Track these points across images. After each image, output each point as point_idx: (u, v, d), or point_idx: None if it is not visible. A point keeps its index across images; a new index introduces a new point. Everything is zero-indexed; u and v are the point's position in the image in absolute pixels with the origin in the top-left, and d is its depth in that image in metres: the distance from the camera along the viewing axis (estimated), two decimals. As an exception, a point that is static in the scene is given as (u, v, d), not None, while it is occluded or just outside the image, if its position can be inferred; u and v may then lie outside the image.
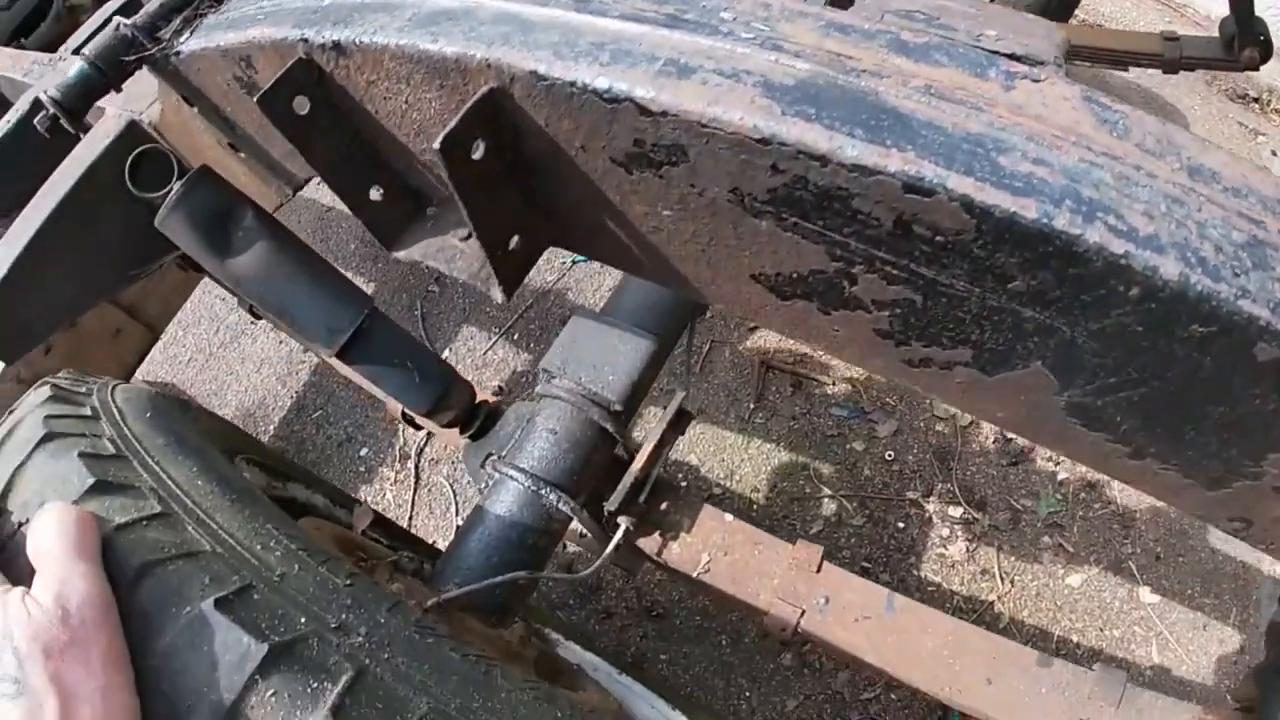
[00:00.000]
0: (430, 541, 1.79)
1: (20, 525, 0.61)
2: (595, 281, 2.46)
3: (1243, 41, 1.83)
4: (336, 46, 0.67)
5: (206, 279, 2.26)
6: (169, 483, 0.69)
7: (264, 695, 0.53)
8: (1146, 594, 1.77)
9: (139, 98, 1.05)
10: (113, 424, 0.75)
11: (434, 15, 0.62)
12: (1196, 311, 0.44)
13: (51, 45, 2.09)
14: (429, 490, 2.23)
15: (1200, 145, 0.49)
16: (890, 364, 0.62)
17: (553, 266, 2.51)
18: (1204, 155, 0.48)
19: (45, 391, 0.76)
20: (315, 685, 0.54)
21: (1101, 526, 1.85)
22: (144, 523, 0.62)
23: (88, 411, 0.75)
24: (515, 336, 2.42)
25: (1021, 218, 0.45)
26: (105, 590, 0.57)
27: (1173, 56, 1.92)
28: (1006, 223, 0.46)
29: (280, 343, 2.68)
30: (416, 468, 2.26)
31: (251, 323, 2.76)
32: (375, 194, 0.79)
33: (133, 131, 1.11)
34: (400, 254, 0.80)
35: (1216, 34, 1.92)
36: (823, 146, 0.48)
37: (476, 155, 0.57)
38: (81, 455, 0.66)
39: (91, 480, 0.63)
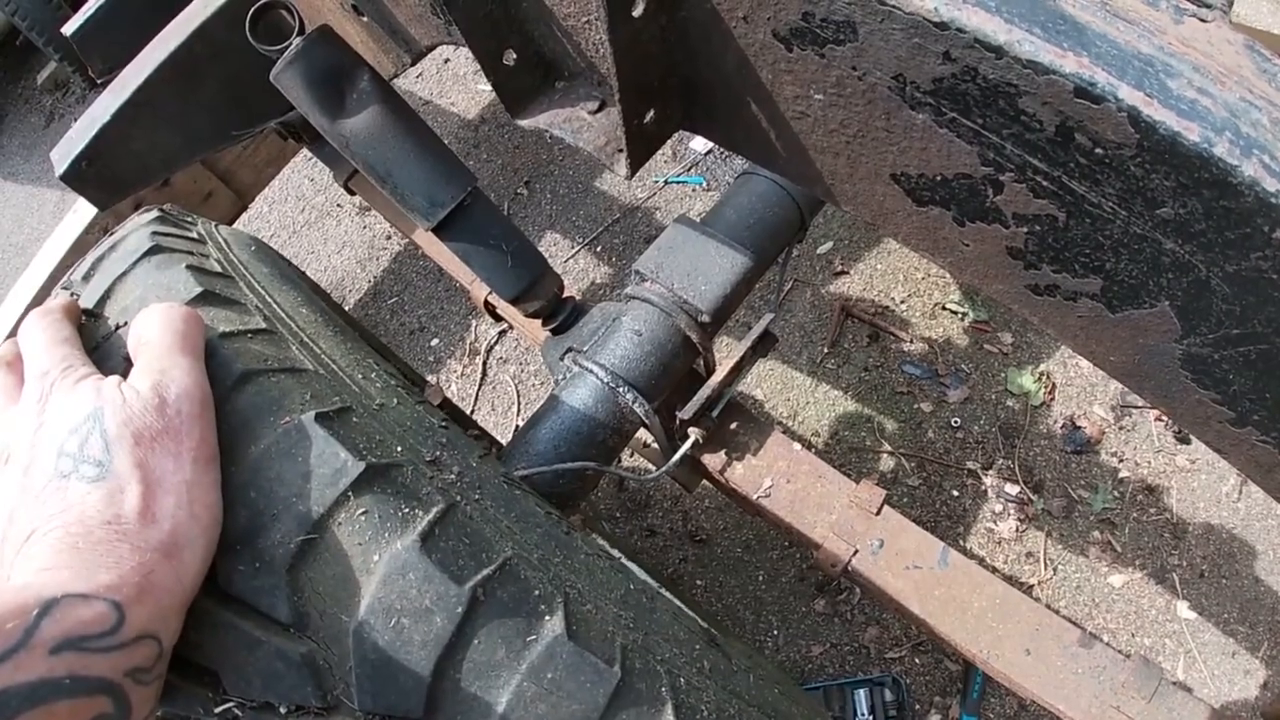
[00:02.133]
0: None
1: (118, 327, 0.60)
2: (685, 204, 2.44)
3: None
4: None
5: (299, 156, 2.30)
6: (274, 306, 0.68)
7: (354, 512, 0.53)
8: (1184, 609, 1.75)
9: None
10: (219, 249, 0.74)
11: None
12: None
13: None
14: (493, 388, 2.26)
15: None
16: (1013, 288, 0.61)
17: (644, 184, 2.50)
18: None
19: (153, 213, 0.76)
20: (406, 510, 0.54)
21: (1153, 533, 1.83)
22: (248, 335, 0.60)
23: (194, 236, 0.75)
24: (598, 249, 2.43)
25: (1184, 139, 0.44)
26: (205, 386, 0.55)
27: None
28: (1168, 142, 0.45)
29: (364, 227, 2.72)
30: (484, 364, 2.29)
31: (338, 205, 2.80)
32: (509, 58, 0.78)
33: (248, -9, 1.12)
34: (525, 121, 0.80)
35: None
36: (1000, 38, 0.46)
37: (636, 12, 0.56)
38: (189, 268, 0.64)
39: (199, 289, 0.62)
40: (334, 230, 2.77)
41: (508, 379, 2.27)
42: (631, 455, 1.99)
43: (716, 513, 1.96)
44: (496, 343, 2.33)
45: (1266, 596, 1.73)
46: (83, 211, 1.91)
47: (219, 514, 0.52)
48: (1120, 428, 1.93)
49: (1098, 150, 0.48)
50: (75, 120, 1.12)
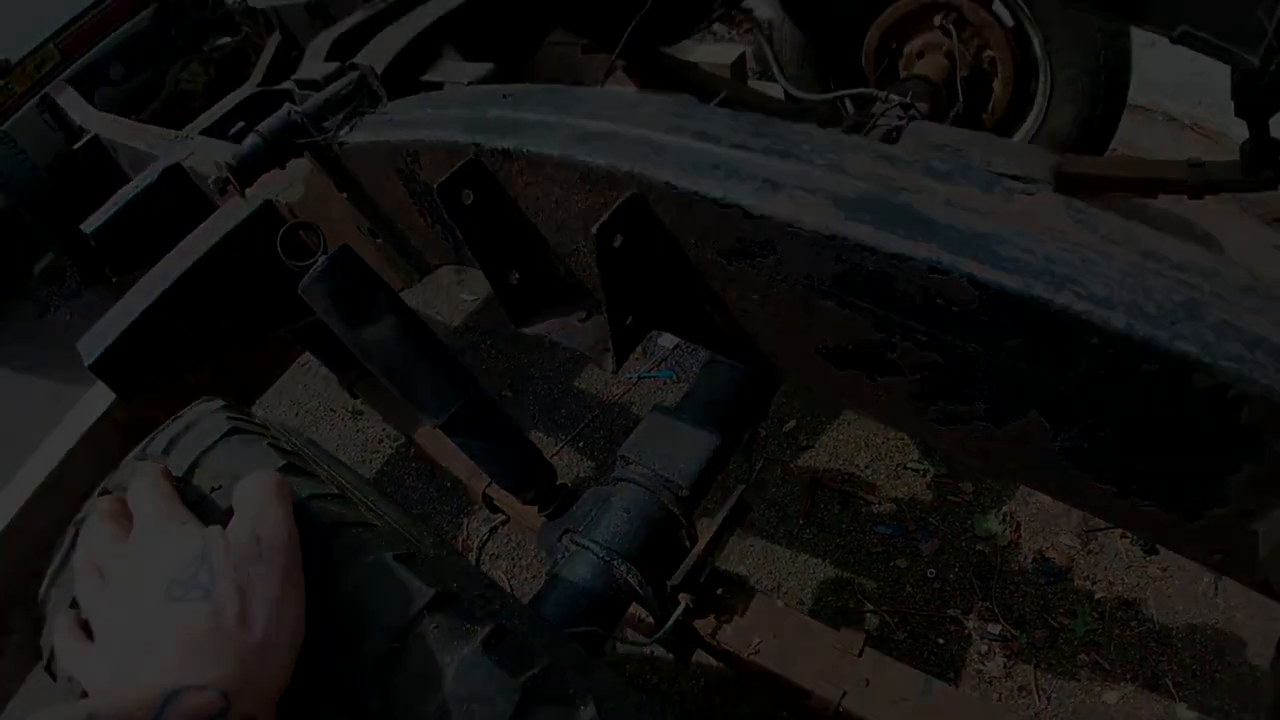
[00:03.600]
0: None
1: (213, 489, 0.73)
2: (657, 395, 2.62)
3: (1259, 162, 1.80)
4: (505, 153, 0.82)
5: (298, 361, 2.37)
6: (338, 479, 0.82)
7: (428, 627, 0.66)
8: (1183, 710, 1.76)
9: (262, 184, 1.14)
10: (281, 434, 0.88)
11: (586, 135, 0.79)
12: (1143, 352, 0.55)
13: (159, 121, 2.24)
14: (489, 582, 2.32)
15: (1155, 235, 0.61)
16: (922, 423, 0.75)
17: (620, 381, 2.68)
18: (1156, 241, 0.61)
19: (218, 402, 0.88)
20: (468, 626, 0.67)
21: (1138, 644, 1.87)
22: (328, 498, 0.75)
23: (259, 422, 0.89)
24: (580, 444, 2.57)
25: (1009, 288, 0.58)
26: (292, 528, 0.68)
27: (1197, 181, 1.92)
28: (999, 292, 0.59)
29: (357, 431, 2.84)
30: (478, 560, 2.36)
31: (330, 410, 2.94)
32: (514, 277, 0.94)
33: (267, 210, 1.26)
34: (527, 330, 0.96)
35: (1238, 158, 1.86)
36: (873, 242, 0.63)
37: (616, 244, 0.73)
38: (270, 445, 0.78)
39: (283, 461, 0.76)
40: (328, 434, 2.90)
41: (501, 574, 2.34)
42: (623, 645, 2.03)
43: (707, 693, 1.98)
44: (488, 539, 2.42)
45: (1263, 680, 1.75)
46: (92, 405, 1.93)
47: (302, 626, 0.65)
48: (1089, 551, 2.02)
49: (954, 308, 0.62)
50: (67, 313, 1.22)
